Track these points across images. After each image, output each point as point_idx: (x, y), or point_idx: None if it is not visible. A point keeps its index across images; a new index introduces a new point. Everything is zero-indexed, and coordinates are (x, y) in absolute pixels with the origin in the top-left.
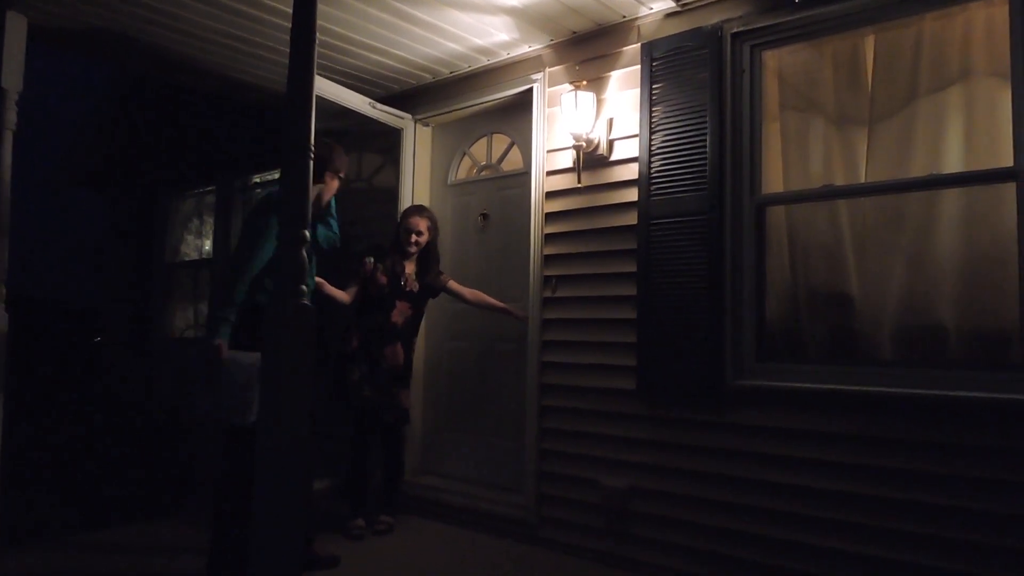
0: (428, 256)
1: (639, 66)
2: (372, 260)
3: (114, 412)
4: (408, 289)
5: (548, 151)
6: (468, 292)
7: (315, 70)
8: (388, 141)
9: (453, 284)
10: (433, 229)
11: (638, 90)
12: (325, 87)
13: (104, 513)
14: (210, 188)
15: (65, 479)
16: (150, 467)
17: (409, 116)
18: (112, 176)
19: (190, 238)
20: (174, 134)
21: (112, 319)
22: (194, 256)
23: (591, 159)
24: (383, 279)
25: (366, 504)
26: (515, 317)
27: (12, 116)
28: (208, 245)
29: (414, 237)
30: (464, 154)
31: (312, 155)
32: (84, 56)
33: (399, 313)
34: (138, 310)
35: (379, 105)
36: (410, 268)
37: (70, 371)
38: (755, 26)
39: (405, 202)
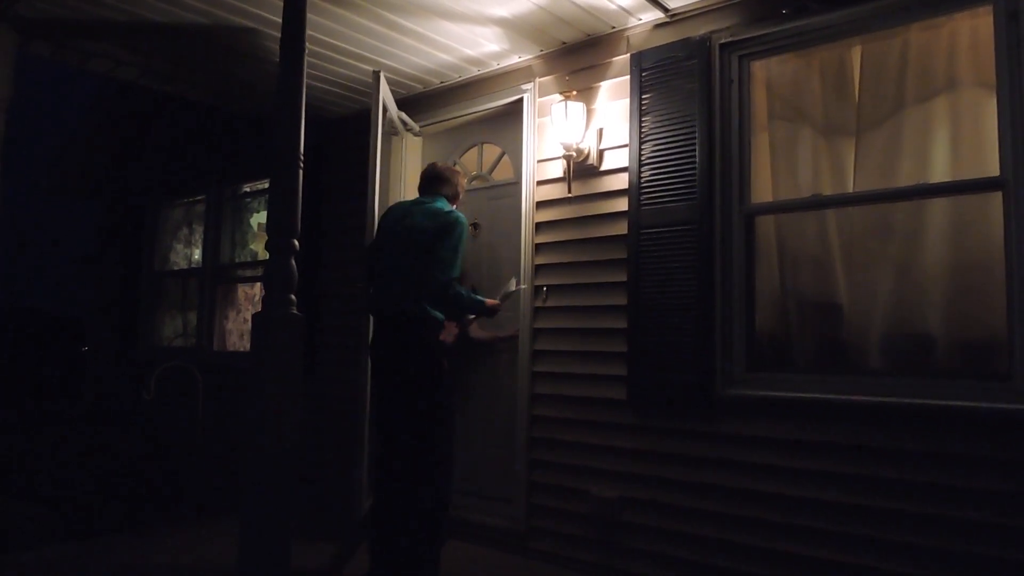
0: None
1: (628, 76)
2: None
3: (99, 422)
4: None
5: (538, 161)
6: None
7: (304, 79)
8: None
9: None
10: None
11: (628, 100)
12: None
13: (85, 524)
14: (199, 197)
15: (47, 489)
16: (134, 479)
17: (400, 126)
18: (101, 185)
19: (179, 247)
20: (163, 143)
21: (100, 328)
22: (183, 265)
23: (581, 169)
24: None
25: None
26: (499, 340)
27: (1, 126)
28: (197, 254)
29: None
30: (455, 164)
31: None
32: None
33: (447, 333)
34: (126, 319)
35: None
36: None
37: (56, 380)
38: (743, 37)
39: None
